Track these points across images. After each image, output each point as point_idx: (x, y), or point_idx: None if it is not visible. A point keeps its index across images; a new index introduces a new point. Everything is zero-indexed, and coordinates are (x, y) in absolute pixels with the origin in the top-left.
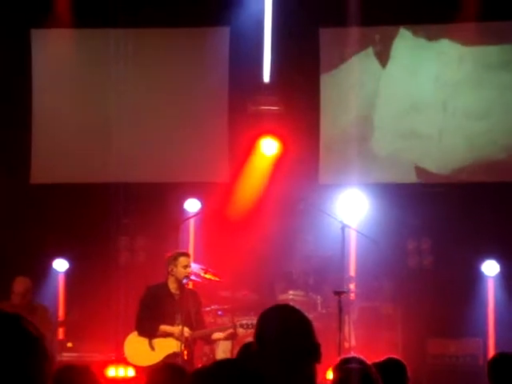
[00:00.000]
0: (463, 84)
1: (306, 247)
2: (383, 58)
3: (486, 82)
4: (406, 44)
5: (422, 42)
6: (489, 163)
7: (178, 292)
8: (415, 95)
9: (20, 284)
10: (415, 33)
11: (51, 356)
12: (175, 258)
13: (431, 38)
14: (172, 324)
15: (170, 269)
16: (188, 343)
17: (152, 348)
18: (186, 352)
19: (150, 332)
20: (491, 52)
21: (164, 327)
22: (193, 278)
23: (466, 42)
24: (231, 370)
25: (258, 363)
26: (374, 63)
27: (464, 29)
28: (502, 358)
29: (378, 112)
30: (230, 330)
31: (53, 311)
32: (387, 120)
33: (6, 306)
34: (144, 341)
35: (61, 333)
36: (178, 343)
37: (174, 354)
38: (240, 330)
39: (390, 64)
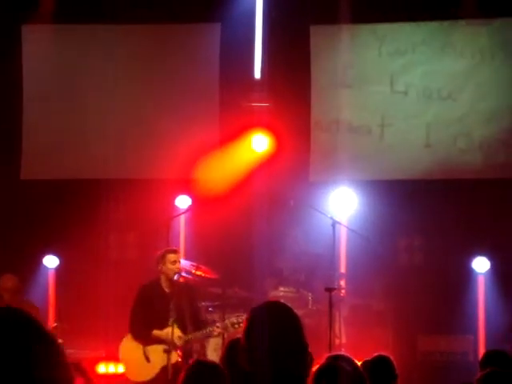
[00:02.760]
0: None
1: (296, 244)
2: None
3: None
4: None
5: None
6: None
7: (170, 290)
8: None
9: (8, 280)
10: None
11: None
12: (163, 255)
13: None
14: (165, 325)
15: (159, 267)
16: (181, 349)
17: (147, 359)
18: (180, 360)
19: (143, 338)
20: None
21: (156, 332)
22: (184, 274)
23: None
24: None
25: (243, 359)
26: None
27: None
28: (494, 355)
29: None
30: (220, 330)
31: (43, 308)
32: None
33: None
34: (138, 348)
35: (51, 329)
36: (173, 352)
37: (167, 368)
38: (230, 329)
39: None
